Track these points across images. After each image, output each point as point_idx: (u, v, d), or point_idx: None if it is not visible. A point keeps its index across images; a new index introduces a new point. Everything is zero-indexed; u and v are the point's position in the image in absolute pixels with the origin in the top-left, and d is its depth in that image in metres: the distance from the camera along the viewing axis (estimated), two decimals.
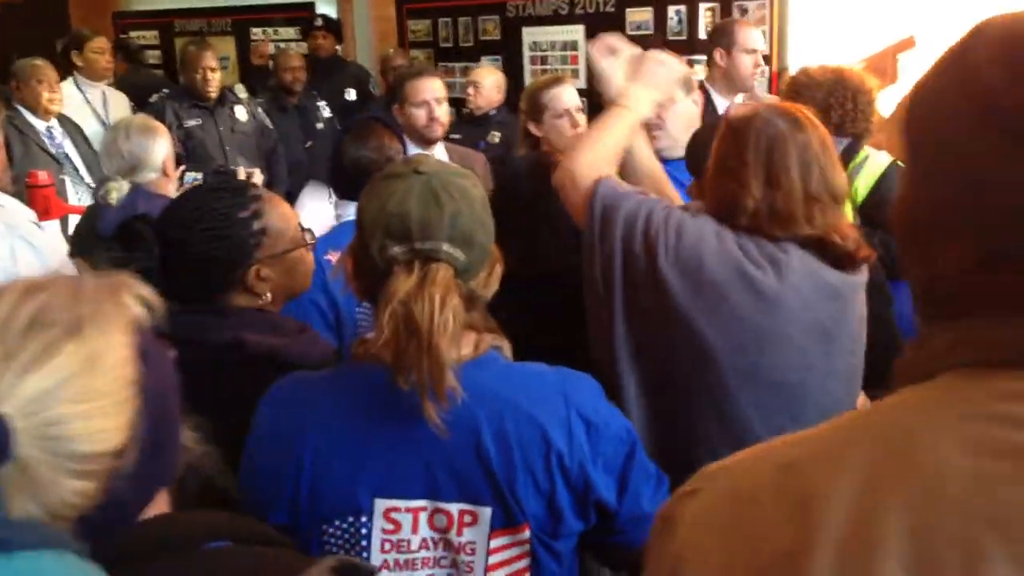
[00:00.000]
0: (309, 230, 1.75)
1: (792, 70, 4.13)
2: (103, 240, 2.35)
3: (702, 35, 4.87)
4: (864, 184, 2.68)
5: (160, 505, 0.92)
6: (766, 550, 0.61)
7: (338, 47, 6.27)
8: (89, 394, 0.79)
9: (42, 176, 3.60)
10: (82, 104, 5.02)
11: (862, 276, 1.71)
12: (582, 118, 2.91)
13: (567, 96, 2.91)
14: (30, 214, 2.76)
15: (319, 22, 6.10)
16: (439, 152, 3.22)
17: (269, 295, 1.64)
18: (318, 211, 2.73)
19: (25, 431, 0.74)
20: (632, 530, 1.31)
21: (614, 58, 1.99)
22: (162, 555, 0.87)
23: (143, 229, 1.65)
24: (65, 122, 4.43)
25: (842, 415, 0.69)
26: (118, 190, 2.94)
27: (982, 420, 0.59)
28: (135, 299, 0.88)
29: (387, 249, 1.22)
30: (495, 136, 4.75)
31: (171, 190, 3.00)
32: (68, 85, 4.90)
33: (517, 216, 1.86)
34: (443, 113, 3.19)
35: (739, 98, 3.53)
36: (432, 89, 3.18)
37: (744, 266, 1.59)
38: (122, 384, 0.82)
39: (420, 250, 1.21)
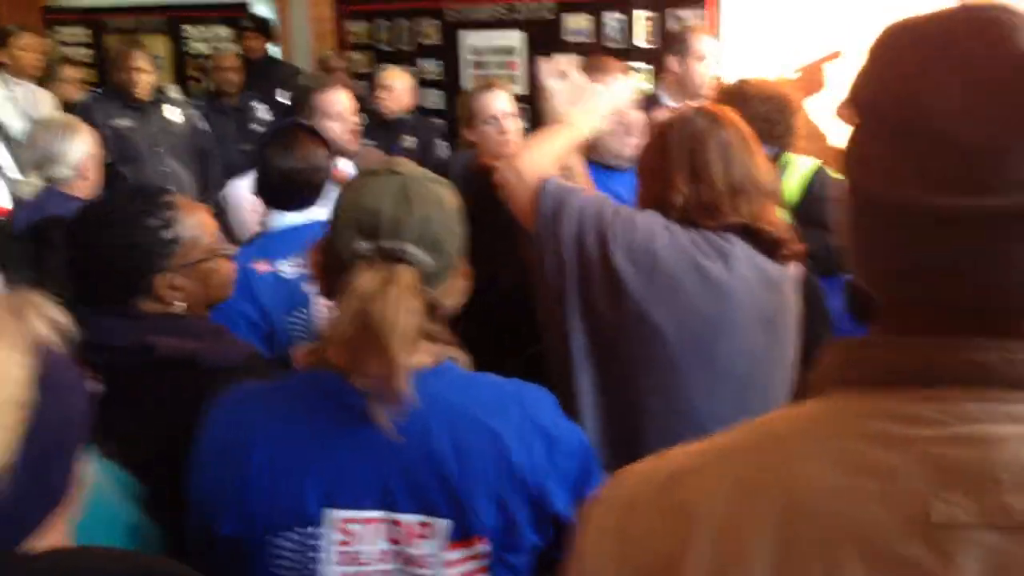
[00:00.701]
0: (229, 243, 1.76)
1: (724, 79, 4.21)
2: (16, 239, 2.31)
3: (638, 42, 4.94)
4: (795, 184, 2.76)
5: (55, 536, 0.88)
6: (649, 553, 0.64)
7: (272, 47, 6.19)
8: None
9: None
10: (6, 100, 4.87)
11: (795, 270, 1.78)
12: (513, 124, 2.91)
13: (496, 102, 2.91)
14: None
15: (247, 23, 6.00)
16: (342, 162, 3.21)
17: (184, 304, 1.63)
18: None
19: None
20: None
21: (562, 80, 2.01)
22: None
23: (53, 232, 1.65)
24: None
25: (731, 426, 0.72)
26: (30, 186, 2.91)
27: (855, 438, 0.61)
28: (42, 320, 0.85)
29: (353, 244, 1.22)
30: (408, 140, 4.73)
31: (88, 192, 2.93)
32: None
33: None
34: (355, 123, 3.22)
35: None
36: (343, 101, 3.19)
37: (696, 257, 1.64)
38: (9, 405, 0.79)
39: (386, 248, 1.21)
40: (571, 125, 1.92)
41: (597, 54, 4.97)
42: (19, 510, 0.82)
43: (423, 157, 4.78)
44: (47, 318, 0.86)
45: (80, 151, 2.94)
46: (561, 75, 2.01)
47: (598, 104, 1.98)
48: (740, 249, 1.68)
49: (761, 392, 1.71)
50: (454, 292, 1.30)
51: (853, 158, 0.67)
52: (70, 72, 5.52)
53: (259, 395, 1.31)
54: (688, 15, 4.75)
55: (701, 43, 3.60)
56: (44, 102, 5.13)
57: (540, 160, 1.81)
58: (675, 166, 1.69)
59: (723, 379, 1.67)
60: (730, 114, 1.76)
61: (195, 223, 1.66)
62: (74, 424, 0.89)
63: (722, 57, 4.07)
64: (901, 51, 0.65)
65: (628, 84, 2.18)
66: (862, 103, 0.67)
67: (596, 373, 1.71)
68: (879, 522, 0.57)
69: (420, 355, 1.24)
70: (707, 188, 1.67)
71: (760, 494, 0.61)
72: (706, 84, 3.58)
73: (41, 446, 0.81)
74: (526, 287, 1.84)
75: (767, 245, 1.70)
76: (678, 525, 0.63)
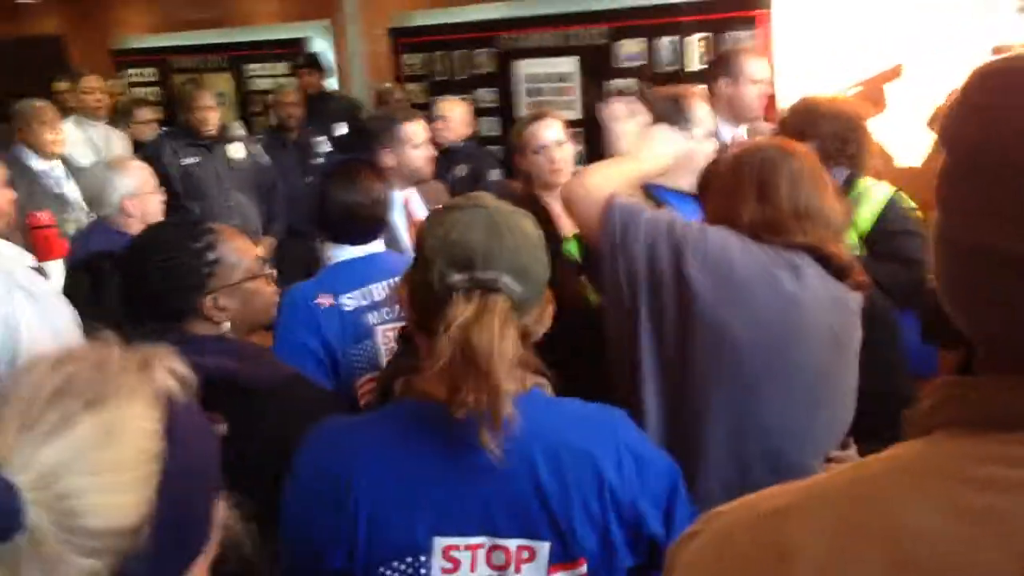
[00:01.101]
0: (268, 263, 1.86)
1: (778, 98, 4.19)
2: (70, 273, 2.44)
3: (692, 67, 4.94)
4: (868, 213, 2.70)
5: (201, 570, 0.89)
6: None
7: (327, 82, 6.31)
8: (105, 467, 0.77)
9: (43, 217, 3.65)
10: (84, 142, 5.06)
11: (859, 298, 1.77)
12: (562, 152, 2.95)
13: (546, 131, 2.95)
14: (28, 259, 2.79)
15: (300, 60, 6.14)
16: (409, 191, 3.30)
17: (228, 324, 1.74)
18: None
19: (37, 502, 0.73)
20: None
21: (629, 120, 2.05)
22: None
23: (103, 263, 1.76)
24: (67, 162, 4.48)
25: (831, 470, 0.72)
26: (76, 223, 3.04)
27: (959, 482, 0.60)
28: (166, 372, 0.86)
29: (447, 277, 1.24)
30: (463, 169, 4.76)
31: (135, 227, 3.01)
32: (69, 124, 4.95)
33: None
34: (431, 153, 3.34)
35: (741, 128, 3.56)
36: (424, 131, 3.30)
37: (769, 266, 1.67)
38: (143, 459, 0.80)
39: (481, 279, 1.24)
40: (637, 159, 1.97)
41: (647, 79, 5.01)
42: (161, 563, 0.81)
43: (475, 186, 4.84)
44: (170, 369, 0.87)
45: (121, 189, 3.06)
46: (624, 117, 2.04)
47: (657, 150, 2.01)
48: (808, 265, 1.70)
49: (828, 410, 1.72)
50: (543, 319, 1.33)
51: (945, 198, 0.67)
52: (143, 113, 5.72)
53: (357, 427, 1.34)
54: (741, 36, 4.75)
55: (751, 64, 3.55)
56: (116, 142, 5.32)
57: (606, 180, 1.84)
58: (744, 187, 1.74)
59: (792, 394, 1.67)
60: (802, 148, 1.81)
61: (235, 247, 1.79)
62: (206, 471, 0.89)
63: (774, 78, 4.04)
64: (995, 94, 0.64)
65: (701, 122, 2.19)
66: (953, 144, 0.66)
67: (664, 389, 1.72)
68: (991, 566, 0.57)
69: (514, 382, 1.26)
70: (773, 208, 1.71)
71: (864, 537, 0.61)
72: (757, 106, 3.54)
73: (176, 497, 0.82)
74: (579, 312, 1.87)
75: (834, 270, 1.71)
76: (778, 563, 0.62)
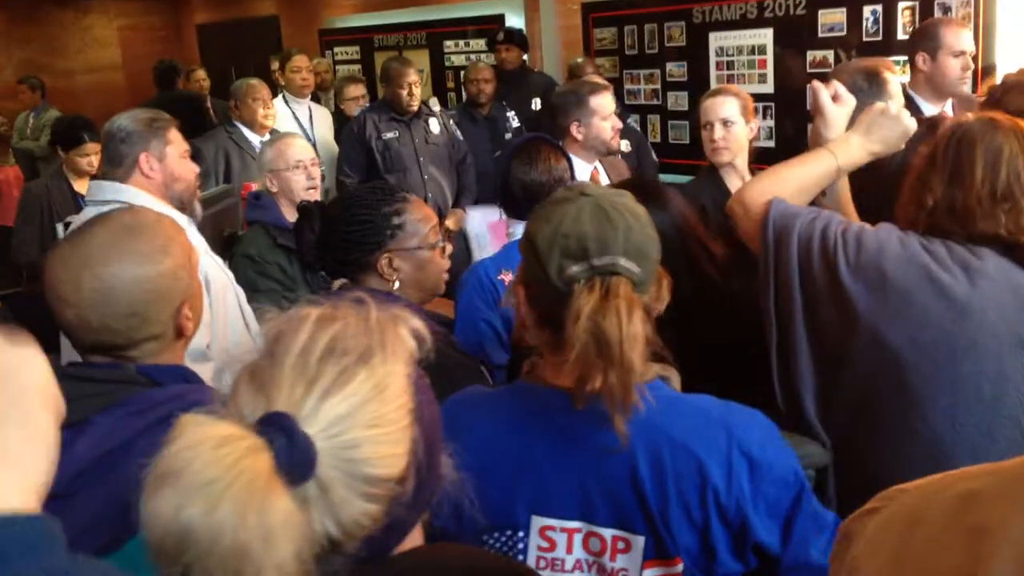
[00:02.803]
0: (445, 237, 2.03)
1: (1001, 70, 3.88)
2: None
3: (900, 36, 4.66)
4: None
5: (415, 537, 0.94)
6: (936, 571, 0.63)
7: (525, 57, 6.42)
8: (379, 420, 0.83)
9: (253, 187, 3.94)
10: (290, 119, 5.41)
11: None
12: (734, 131, 2.94)
13: (714, 108, 2.95)
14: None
15: (500, 36, 6.25)
16: (597, 164, 3.35)
17: (398, 283, 1.90)
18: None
19: (325, 452, 0.79)
20: None
21: (839, 105, 1.94)
22: None
23: (312, 207, 2.04)
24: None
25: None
26: (261, 185, 3.33)
27: None
28: (409, 332, 0.91)
29: (565, 270, 1.24)
30: (625, 144, 4.77)
31: (280, 200, 3.18)
32: (278, 101, 5.28)
33: None
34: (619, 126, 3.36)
35: (948, 104, 3.34)
36: (612, 103, 3.32)
37: (932, 270, 1.57)
38: (404, 412, 0.86)
39: (599, 266, 1.23)
40: (833, 156, 1.85)
41: (851, 51, 4.77)
42: (410, 511, 0.88)
43: (639, 160, 4.81)
44: (412, 328, 0.91)
45: (266, 164, 3.23)
46: (836, 99, 1.94)
47: (886, 131, 1.87)
48: (991, 263, 1.57)
49: (1013, 420, 1.58)
50: (660, 295, 1.31)
51: None
52: (352, 90, 6.03)
53: (480, 401, 1.39)
54: (955, 3, 4.43)
55: (952, 35, 3.30)
56: (321, 118, 5.65)
57: (769, 188, 1.78)
58: (937, 166, 1.63)
59: (967, 405, 1.57)
60: (1012, 123, 1.65)
61: (419, 217, 1.96)
62: (436, 425, 0.94)
63: (993, 49, 3.75)
64: None
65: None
66: None
67: (825, 400, 1.66)
68: None
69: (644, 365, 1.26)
70: (964, 192, 1.59)
71: None
72: (958, 81, 3.30)
73: (424, 449, 0.88)
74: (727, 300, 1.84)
75: None
76: (974, 546, 0.61)
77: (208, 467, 0.72)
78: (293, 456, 0.77)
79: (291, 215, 3.09)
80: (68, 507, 1.22)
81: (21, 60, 10.43)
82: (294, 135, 3.58)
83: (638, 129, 5.64)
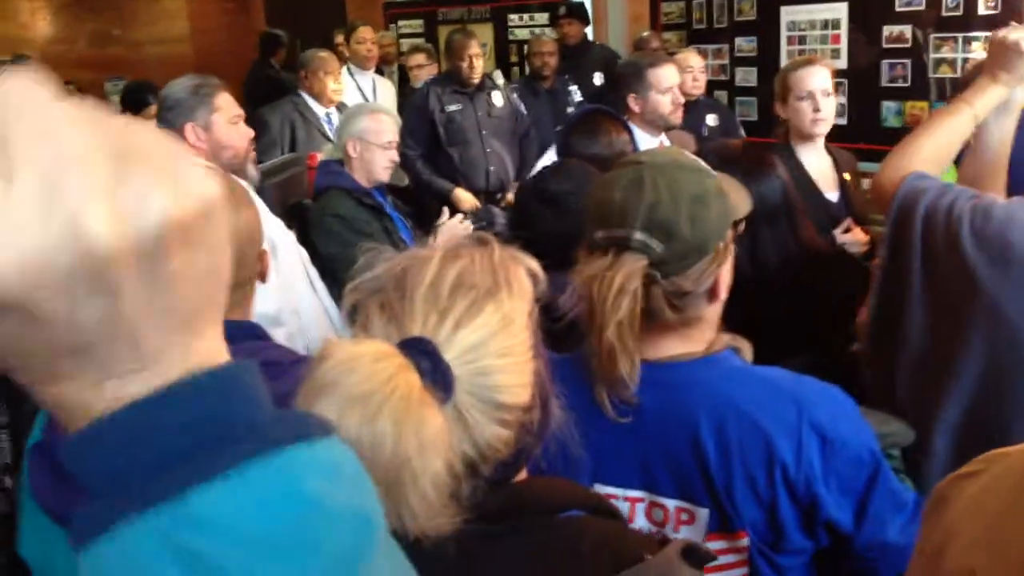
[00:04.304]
0: None
1: None
2: None
3: (981, 11, 4.49)
4: None
5: (522, 472, 0.97)
6: None
7: (589, 31, 6.35)
8: (507, 351, 0.86)
9: (317, 157, 3.97)
10: (354, 91, 5.43)
11: None
12: (829, 103, 2.82)
13: (813, 79, 2.82)
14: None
15: (562, 11, 6.18)
16: (663, 138, 3.29)
17: None
18: None
19: (461, 378, 0.83)
20: (874, 558, 1.23)
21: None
22: (530, 517, 0.93)
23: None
24: (343, 108, 4.82)
25: None
26: (328, 153, 3.30)
27: None
28: (529, 269, 0.94)
29: (593, 234, 1.26)
30: (713, 119, 4.76)
31: (355, 168, 3.15)
32: (343, 72, 5.30)
33: None
34: (681, 99, 3.31)
35: None
36: (674, 76, 3.27)
37: None
38: (527, 346, 0.89)
39: (614, 236, 1.22)
40: (958, 103, 1.76)
41: (929, 27, 4.61)
42: (536, 440, 0.92)
43: (726, 136, 4.73)
44: (528, 267, 0.94)
45: (352, 131, 3.18)
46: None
47: (1014, 64, 1.74)
48: None
49: None
50: (704, 278, 1.25)
51: None
52: (415, 59, 6.02)
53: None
54: None
55: None
56: (385, 90, 5.66)
57: (904, 160, 1.72)
58: None
59: None
60: None
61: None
62: (547, 366, 0.96)
63: None
64: None
65: None
66: None
67: (950, 391, 1.60)
68: None
69: (681, 344, 1.26)
70: None
71: None
72: None
73: (541, 385, 0.92)
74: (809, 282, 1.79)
75: None
76: None
77: (366, 380, 0.75)
78: (436, 377, 0.81)
79: (364, 183, 3.12)
80: None
81: (93, 31, 10.64)
82: (386, 112, 3.50)
83: (725, 105, 5.56)
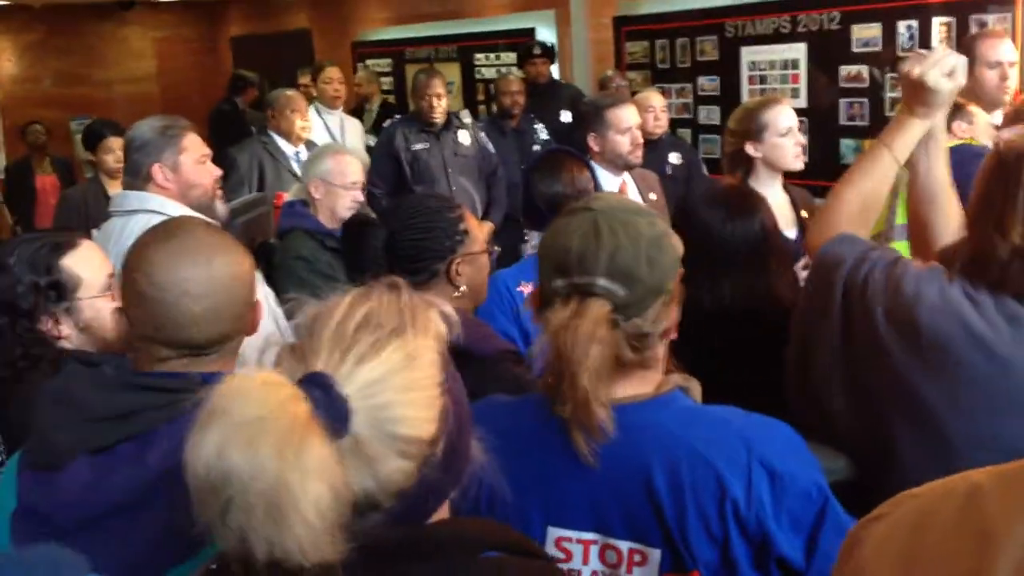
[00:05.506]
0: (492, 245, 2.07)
1: None
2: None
3: None
4: None
5: (443, 512, 0.99)
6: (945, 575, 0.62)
7: (552, 69, 6.42)
8: (411, 385, 0.89)
9: (284, 196, 3.97)
10: (322, 130, 5.45)
11: None
12: (802, 137, 2.87)
13: (789, 115, 2.85)
14: None
15: (537, 50, 6.26)
16: (626, 177, 3.33)
17: (465, 288, 1.92)
18: None
19: (360, 411, 0.85)
20: None
21: (948, 79, 1.71)
22: (441, 557, 0.93)
23: (368, 218, 2.03)
24: (311, 146, 4.84)
25: None
26: (295, 193, 3.35)
27: None
28: (439, 315, 0.97)
29: (551, 282, 1.27)
30: (676, 157, 4.81)
31: (320, 210, 3.14)
32: (310, 112, 5.32)
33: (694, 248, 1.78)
34: (640, 139, 3.35)
35: (996, 115, 3.29)
36: (633, 116, 3.31)
37: (971, 323, 1.43)
38: (433, 382, 0.91)
39: (577, 284, 1.24)
40: (877, 147, 1.74)
41: (887, 65, 4.73)
42: (443, 475, 0.92)
43: (688, 174, 4.80)
44: (442, 313, 0.97)
45: (314, 172, 3.19)
46: (949, 73, 1.70)
47: (924, 94, 1.70)
48: None
49: None
50: (661, 318, 1.28)
51: None
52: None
53: (501, 409, 1.37)
54: (991, 19, 4.38)
55: (987, 46, 3.27)
56: (352, 130, 5.68)
57: (834, 217, 1.71)
58: (1018, 211, 1.41)
59: (1007, 460, 1.47)
60: None
61: (475, 223, 2.02)
62: (465, 407, 0.98)
63: None
64: None
65: None
66: None
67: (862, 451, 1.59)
68: None
69: (633, 385, 1.27)
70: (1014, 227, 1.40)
71: None
72: (1001, 94, 3.26)
73: (452, 423, 0.93)
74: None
75: None
76: (978, 553, 0.60)
77: (253, 406, 0.78)
78: (330, 409, 0.83)
79: (329, 224, 3.11)
80: (140, 518, 1.25)
81: (59, 70, 10.62)
82: (350, 154, 3.50)
83: (688, 143, 5.65)
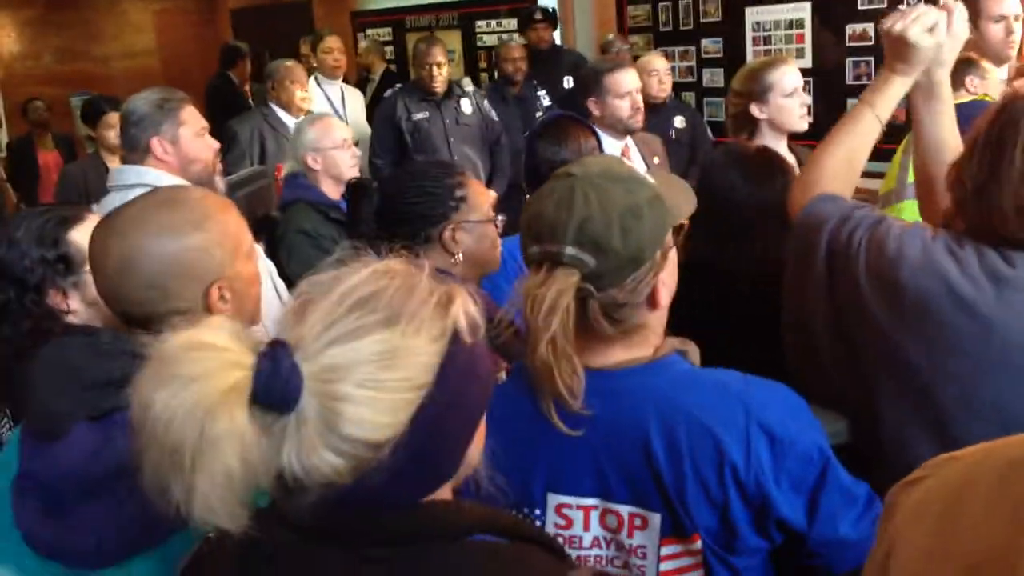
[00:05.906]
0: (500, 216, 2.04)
1: None
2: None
3: None
4: None
5: (444, 493, 0.95)
6: (980, 546, 0.60)
7: (555, 34, 6.35)
8: (375, 383, 0.84)
9: (285, 170, 3.95)
10: (322, 100, 5.40)
11: None
12: (807, 98, 2.84)
13: (796, 75, 2.81)
14: None
15: (538, 15, 6.20)
16: (628, 141, 3.31)
17: (461, 256, 1.92)
18: None
19: (312, 394, 0.82)
20: (829, 554, 1.23)
21: (930, 34, 1.67)
22: (427, 541, 0.90)
23: (367, 182, 2.06)
24: None
25: None
26: (289, 168, 3.31)
27: None
28: (461, 312, 0.90)
29: (527, 249, 1.27)
30: (680, 120, 4.78)
31: (321, 181, 3.12)
32: (310, 83, 5.27)
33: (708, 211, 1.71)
34: (641, 104, 3.31)
35: (1003, 71, 3.24)
36: (633, 80, 3.28)
37: (952, 282, 1.40)
38: (408, 385, 0.85)
39: (548, 252, 1.23)
40: (860, 107, 1.71)
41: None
42: (402, 483, 0.87)
43: (693, 139, 4.76)
44: (466, 310, 0.91)
45: (306, 144, 3.16)
46: (930, 29, 1.66)
47: (907, 51, 1.66)
48: None
49: None
50: (643, 288, 1.24)
51: None
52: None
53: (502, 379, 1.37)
54: None
55: (997, 1, 3.16)
56: (353, 100, 5.63)
57: (815, 176, 1.68)
58: (975, 157, 1.42)
59: (996, 421, 1.41)
60: None
61: (478, 191, 2.01)
62: (469, 412, 0.94)
63: None
64: None
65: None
66: None
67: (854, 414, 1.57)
68: None
69: (622, 352, 1.26)
70: (998, 190, 1.38)
71: None
72: (1007, 49, 3.17)
73: (429, 429, 0.87)
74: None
75: None
76: (1013, 522, 0.58)
77: (187, 365, 0.80)
78: (271, 385, 0.81)
79: (333, 193, 3.08)
80: (139, 484, 1.24)
81: (58, 46, 10.55)
82: (329, 115, 3.53)
83: (692, 106, 5.59)
